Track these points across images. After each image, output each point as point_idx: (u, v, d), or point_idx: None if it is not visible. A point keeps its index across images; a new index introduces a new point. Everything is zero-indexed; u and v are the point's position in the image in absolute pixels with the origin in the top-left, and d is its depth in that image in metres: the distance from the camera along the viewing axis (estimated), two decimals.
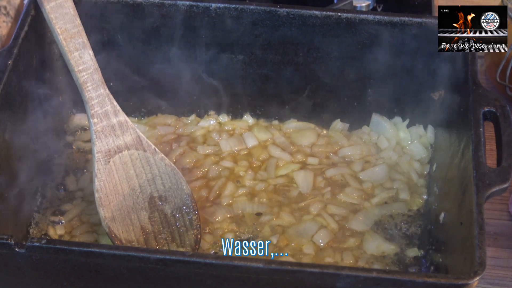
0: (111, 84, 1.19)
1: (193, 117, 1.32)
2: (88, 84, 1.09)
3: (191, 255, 0.95)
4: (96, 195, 1.09)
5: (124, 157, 1.11)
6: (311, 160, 1.26)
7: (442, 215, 1.12)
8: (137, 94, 1.29)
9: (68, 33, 1.09)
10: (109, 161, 1.10)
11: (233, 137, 1.29)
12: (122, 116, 1.11)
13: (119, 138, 1.11)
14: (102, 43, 1.23)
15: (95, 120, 1.09)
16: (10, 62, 1.10)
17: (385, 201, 1.21)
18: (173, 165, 1.14)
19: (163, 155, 1.14)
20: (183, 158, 1.26)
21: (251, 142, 1.29)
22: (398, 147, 1.28)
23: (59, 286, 1.01)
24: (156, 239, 1.12)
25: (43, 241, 0.94)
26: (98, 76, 1.09)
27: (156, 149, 1.13)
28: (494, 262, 1.16)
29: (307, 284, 0.94)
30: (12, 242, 0.93)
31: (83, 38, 1.10)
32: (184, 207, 1.15)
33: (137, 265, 0.94)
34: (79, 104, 1.24)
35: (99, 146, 1.09)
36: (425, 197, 1.22)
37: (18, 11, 1.26)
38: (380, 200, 1.21)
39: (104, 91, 1.10)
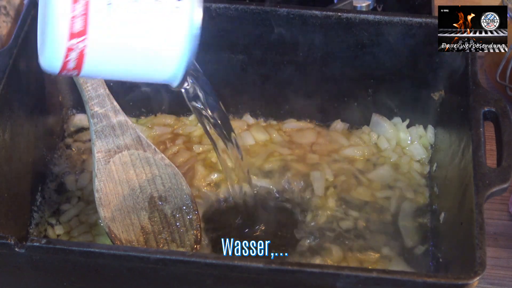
0: (111, 84, 1.19)
1: (192, 117, 1.32)
2: (88, 84, 1.09)
3: (191, 255, 0.95)
4: (96, 195, 1.09)
5: (124, 157, 1.11)
6: (312, 156, 1.26)
7: (442, 215, 1.12)
8: (137, 94, 1.29)
9: None
10: (109, 161, 1.10)
11: None
12: (122, 116, 1.11)
13: (119, 138, 1.11)
14: None
15: (95, 120, 1.09)
16: (10, 62, 1.10)
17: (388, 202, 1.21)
18: (173, 165, 1.14)
19: (163, 155, 1.14)
20: (177, 157, 1.25)
21: (248, 142, 1.28)
22: (398, 147, 1.28)
23: (59, 286, 1.00)
24: (156, 239, 1.12)
25: (43, 241, 0.93)
26: None
27: (156, 149, 1.13)
28: (494, 262, 1.16)
29: (307, 284, 0.94)
30: (12, 242, 0.93)
31: None
32: (184, 207, 1.15)
33: (137, 265, 0.94)
34: (79, 104, 1.24)
35: (99, 146, 1.09)
36: (425, 197, 1.22)
37: (18, 11, 1.25)
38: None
39: (104, 91, 1.09)
